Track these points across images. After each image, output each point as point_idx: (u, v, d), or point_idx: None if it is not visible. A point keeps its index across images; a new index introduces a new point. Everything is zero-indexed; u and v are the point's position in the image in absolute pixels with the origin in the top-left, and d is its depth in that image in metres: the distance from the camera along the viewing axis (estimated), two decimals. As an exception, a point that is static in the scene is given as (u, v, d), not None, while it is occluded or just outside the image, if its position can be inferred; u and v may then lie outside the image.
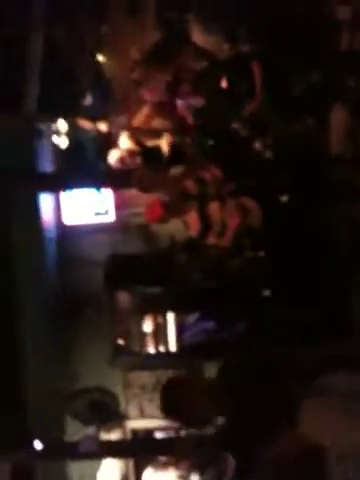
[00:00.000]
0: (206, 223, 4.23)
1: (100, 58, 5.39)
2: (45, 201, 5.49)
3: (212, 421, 2.93)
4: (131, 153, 5.20)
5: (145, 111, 5.10)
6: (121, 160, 5.22)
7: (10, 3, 4.73)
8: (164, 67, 4.21)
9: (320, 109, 3.86)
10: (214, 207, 4.23)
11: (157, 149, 4.97)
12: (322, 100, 3.84)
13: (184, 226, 4.73)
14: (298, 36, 3.61)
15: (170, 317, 5.58)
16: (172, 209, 4.34)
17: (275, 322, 4.73)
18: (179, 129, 4.75)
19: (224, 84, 3.89)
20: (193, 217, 4.31)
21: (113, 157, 5.34)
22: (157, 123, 5.20)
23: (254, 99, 3.87)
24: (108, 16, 5.09)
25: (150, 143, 5.27)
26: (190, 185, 4.25)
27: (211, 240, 4.34)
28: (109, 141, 5.50)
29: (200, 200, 4.18)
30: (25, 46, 4.93)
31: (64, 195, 5.70)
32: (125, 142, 5.33)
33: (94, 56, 5.31)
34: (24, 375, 5.07)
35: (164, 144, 5.12)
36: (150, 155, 4.92)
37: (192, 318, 5.61)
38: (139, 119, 5.17)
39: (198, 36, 3.99)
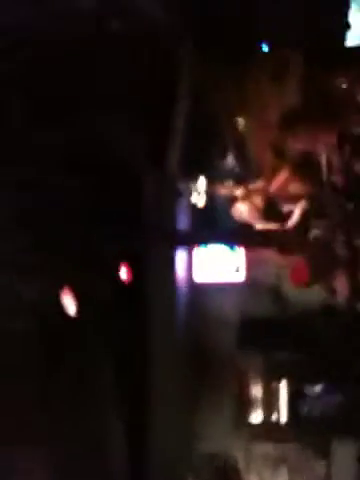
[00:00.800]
0: (356, 289, 4.02)
1: (242, 121, 5.45)
2: (179, 257, 5.51)
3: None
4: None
5: (284, 174, 5.04)
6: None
7: (159, 68, 4.93)
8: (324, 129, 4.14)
9: None
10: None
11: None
12: None
13: (326, 291, 4.54)
14: None
15: (285, 385, 5.29)
16: (319, 274, 4.17)
17: None
18: (323, 193, 4.64)
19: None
20: (341, 283, 4.12)
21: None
22: (295, 187, 5.12)
23: None
24: (254, 80, 5.16)
25: (288, 207, 5.18)
26: (339, 250, 4.09)
27: (360, 307, 4.12)
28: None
29: (351, 266, 4.00)
30: (172, 110, 5.09)
31: (197, 252, 5.69)
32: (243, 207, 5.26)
33: (237, 119, 5.37)
34: (150, 433, 4.97)
35: (302, 207, 5.02)
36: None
37: (316, 389, 5.28)
38: (278, 182, 5.12)
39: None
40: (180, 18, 4.68)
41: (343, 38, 4.36)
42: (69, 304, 4.34)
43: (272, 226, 5.06)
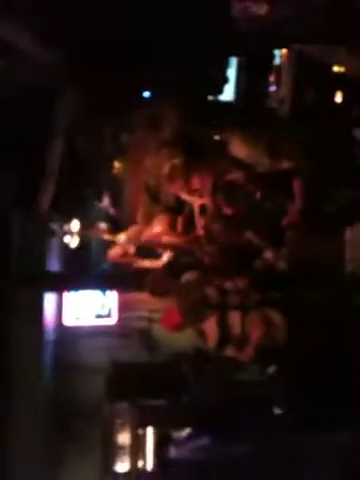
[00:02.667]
0: (226, 334, 3.93)
1: (116, 165, 5.31)
2: (48, 300, 5.12)
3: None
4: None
5: (157, 228, 4.91)
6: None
7: (36, 107, 4.69)
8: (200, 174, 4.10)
9: (347, 226, 3.79)
10: (235, 317, 3.95)
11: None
12: (352, 218, 3.78)
13: (197, 336, 4.40)
14: (337, 156, 3.62)
15: (152, 431, 5.05)
16: (190, 317, 4.03)
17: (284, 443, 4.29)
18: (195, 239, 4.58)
19: (258, 196, 3.80)
20: (211, 327, 4.00)
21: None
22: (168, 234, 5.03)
23: (290, 213, 3.77)
24: (129, 126, 5.07)
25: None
26: (211, 293, 4.00)
27: (229, 352, 4.02)
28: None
29: (221, 309, 3.91)
30: (46, 149, 4.84)
31: (67, 295, 5.34)
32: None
33: (111, 163, 5.23)
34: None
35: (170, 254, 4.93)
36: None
37: (183, 433, 5.09)
38: (150, 233, 4.98)
39: (238, 147, 3.94)
40: (61, 61, 4.51)
41: (220, 91, 4.46)
42: None
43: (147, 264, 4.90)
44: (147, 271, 4.80)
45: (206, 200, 4.36)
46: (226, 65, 4.33)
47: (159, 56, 4.44)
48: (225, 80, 4.38)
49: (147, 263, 4.74)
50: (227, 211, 3.95)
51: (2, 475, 4.50)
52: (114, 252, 5.00)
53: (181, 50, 4.40)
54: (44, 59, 4.44)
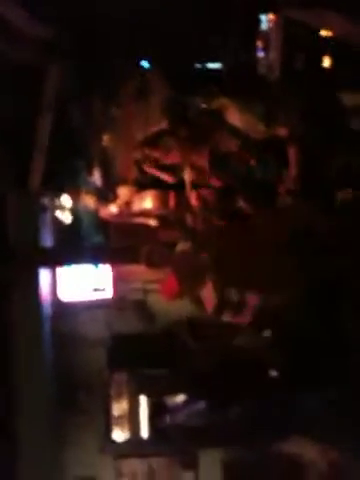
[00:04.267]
0: (223, 300, 3.99)
1: (106, 138, 5.27)
2: (44, 276, 5.12)
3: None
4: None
5: (148, 203, 4.89)
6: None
7: (25, 81, 4.63)
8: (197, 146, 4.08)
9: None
10: (232, 284, 4.01)
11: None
12: (347, 183, 3.81)
13: (194, 303, 4.47)
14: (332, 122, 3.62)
15: (147, 399, 5.15)
16: (188, 285, 4.08)
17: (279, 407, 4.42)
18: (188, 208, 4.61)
19: (252, 163, 3.81)
20: (209, 293, 4.06)
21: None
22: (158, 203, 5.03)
23: (287, 180, 3.79)
24: (119, 99, 5.02)
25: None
26: (206, 261, 4.04)
27: (227, 317, 4.09)
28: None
29: (217, 275, 3.96)
30: (35, 123, 4.79)
31: (62, 271, 5.34)
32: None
33: (102, 136, 5.18)
34: (15, 460, 4.54)
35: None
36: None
37: (178, 399, 5.20)
38: (141, 209, 4.98)
39: (233, 115, 3.92)
40: (49, 34, 4.43)
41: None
42: None
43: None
44: (140, 244, 4.83)
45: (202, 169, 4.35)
46: (222, 31, 4.23)
47: (146, 25, 4.38)
48: (224, 46, 4.29)
49: (140, 220, 4.74)
50: (220, 183, 3.96)
51: (6, 448, 4.58)
52: (106, 212, 5.00)
53: (168, 18, 4.34)
54: (31, 33, 4.36)
